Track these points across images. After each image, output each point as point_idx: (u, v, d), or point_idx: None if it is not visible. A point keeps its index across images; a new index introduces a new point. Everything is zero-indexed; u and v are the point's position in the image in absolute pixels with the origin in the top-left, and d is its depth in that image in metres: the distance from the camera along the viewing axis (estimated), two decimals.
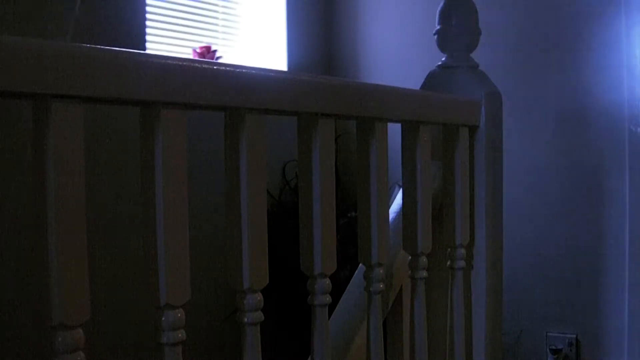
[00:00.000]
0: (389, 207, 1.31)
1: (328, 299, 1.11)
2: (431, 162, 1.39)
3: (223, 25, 3.11)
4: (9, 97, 0.73)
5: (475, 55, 1.59)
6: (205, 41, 2.99)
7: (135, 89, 0.82)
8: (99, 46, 0.79)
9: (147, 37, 2.74)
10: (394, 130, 1.30)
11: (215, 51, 2.91)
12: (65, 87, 0.74)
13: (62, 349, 0.76)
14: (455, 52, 1.56)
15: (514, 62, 2.87)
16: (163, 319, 0.87)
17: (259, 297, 0.99)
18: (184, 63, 0.89)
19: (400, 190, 1.37)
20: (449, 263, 1.48)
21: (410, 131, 1.34)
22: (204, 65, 0.91)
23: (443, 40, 1.56)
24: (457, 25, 1.54)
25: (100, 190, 2.42)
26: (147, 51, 2.70)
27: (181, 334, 0.88)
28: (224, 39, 3.10)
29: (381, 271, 1.24)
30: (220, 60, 2.88)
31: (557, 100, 2.81)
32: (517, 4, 2.91)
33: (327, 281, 1.11)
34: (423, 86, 1.59)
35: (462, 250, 1.47)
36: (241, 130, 0.96)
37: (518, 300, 2.70)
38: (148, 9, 2.75)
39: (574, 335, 2.75)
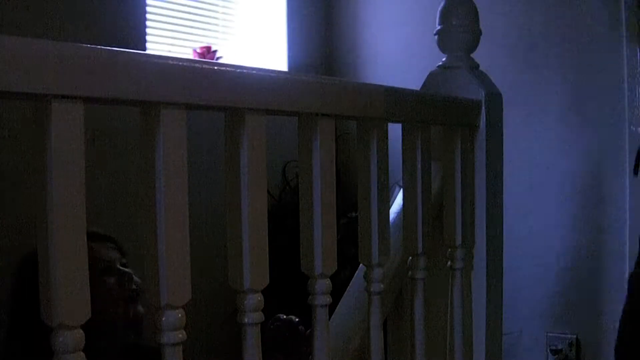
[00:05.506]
0: (389, 207, 1.31)
1: (328, 299, 1.11)
2: (431, 162, 1.39)
3: (223, 26, 3.11)
4: (9, 97, 0.73)
5: (476, 56, 1.59)
6: (205, 41, 2.99)
7: (135, 89, 0.82)
8: (99, 46, 0.79)
9: (147, 37, 2.74)
10: (394, 130, 1.30)
11: (215, 51, 2.91)
12: (65, 87, 0.74)
13: (62, 349, 0.76)
14: (456, 52, 1.56)
15: (514, 62, 2.87)
16: (163, 319, 0.87)
17: (260, 297, 0.99)
18: (184, 63, 0.89)
19: (401, 191, 1.37)
20: (449, 263, 1.47)
21: (410, 131, 1.34)
22: (205, 66, 0.91)
23: (443, 40, 1.56)
24: (457, 26, 1.54)
25: (101, 190, 2.42)
26: (147, 51, 2.70)
27: (182, 334, 0.88)
28: (224, 39, 3.10)
29: (381, 271, 1.24)
30: (220, 61, 2.88)
31: (558, 100, 2.80)
32: (518, 4, 2.91)
33: (328, 281, 1.11)
34: (423, 86, 1.59)
35: (462, 251, 1.47)
36: (241, 131, 0.96)
37: (518, 300, 2.70)
38: (148, 9, 2.75)
39: (574, 335, 2.75)
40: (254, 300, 0.98)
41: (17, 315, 1.47)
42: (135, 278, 1.55)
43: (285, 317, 1.51)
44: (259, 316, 0.99)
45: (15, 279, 1.52)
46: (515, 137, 2.63)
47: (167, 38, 2.87)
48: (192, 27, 2.97)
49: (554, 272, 2.78)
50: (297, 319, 1.50)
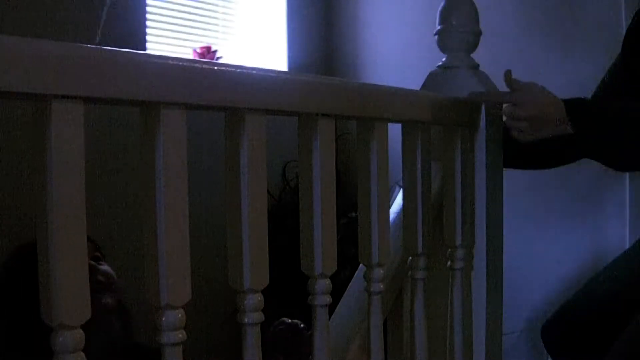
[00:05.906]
0: (389, 207, 1.31)
1: (328, 299, 1.11)
2: (431, 162, 1.39)
3: (223, 26, 3.11)
4: (9, 97, 0.73)
5: (476, 56, 1.59)
6: (205, 41, 2.99)
7: (136, 89, 0.82)
8: (99, 46, 0.79)
9: (147, 37, 2.74)
10: (394, 131, 1.30)
11: (215, 51, 2.91)
12: (65, 87, 0.74)
13: (62, 349, 0.76)
14: (456, 52, 1.56)
15: (515, 62, 2.87)
16: (163, 319, 0.87)
17: (260, 297, 0.99)
18: (184, 63, 0.88)
19: (401, 191, 1.37)
20: (449, 263, 1.47)
21: (410, 131, 1.34)
22: (205, 66, 0.91)
23: (443, 40, 1.56)
24: (457, 26, 1.54)
25: (101, 191, 2.42)
26: (147, 51, 2.70)
27: (181, 334, 0.88)
28: (224, 39, 3.10)
29: (381, 271, 1.24)
30: (220, 61, 2.88)
31: None
32: (518, 4, 2.91)
33: (328, 281, 1.11)
34: (423, 86, 1.59)
35: (462, 251, 1.47)
36: (241, 131, 0.96)
37: (518, 300, 2.70)
38: (148, 9, 2.75)
39: None
40: (254, 300, 0.98)
41: (8, 309, 1.47)
42: (105, 270, 1.55)
43: (290, 321, 1.51)
44: (259, 316, 0.99)
45: (6, 272, 1.52)
46: None
47: (167, 38, 2.87)
48: (192, 27, 2.97)
49: (554, 272, 2.78)
50: (302, 324, 1.50)
